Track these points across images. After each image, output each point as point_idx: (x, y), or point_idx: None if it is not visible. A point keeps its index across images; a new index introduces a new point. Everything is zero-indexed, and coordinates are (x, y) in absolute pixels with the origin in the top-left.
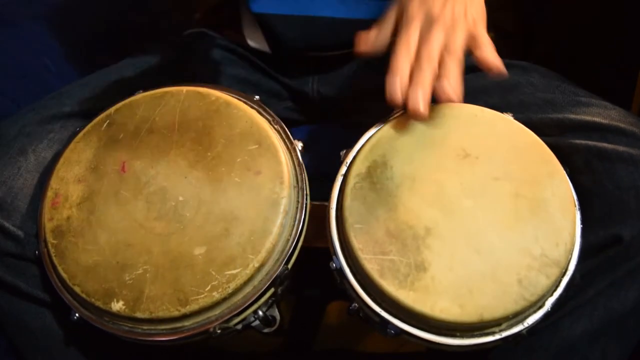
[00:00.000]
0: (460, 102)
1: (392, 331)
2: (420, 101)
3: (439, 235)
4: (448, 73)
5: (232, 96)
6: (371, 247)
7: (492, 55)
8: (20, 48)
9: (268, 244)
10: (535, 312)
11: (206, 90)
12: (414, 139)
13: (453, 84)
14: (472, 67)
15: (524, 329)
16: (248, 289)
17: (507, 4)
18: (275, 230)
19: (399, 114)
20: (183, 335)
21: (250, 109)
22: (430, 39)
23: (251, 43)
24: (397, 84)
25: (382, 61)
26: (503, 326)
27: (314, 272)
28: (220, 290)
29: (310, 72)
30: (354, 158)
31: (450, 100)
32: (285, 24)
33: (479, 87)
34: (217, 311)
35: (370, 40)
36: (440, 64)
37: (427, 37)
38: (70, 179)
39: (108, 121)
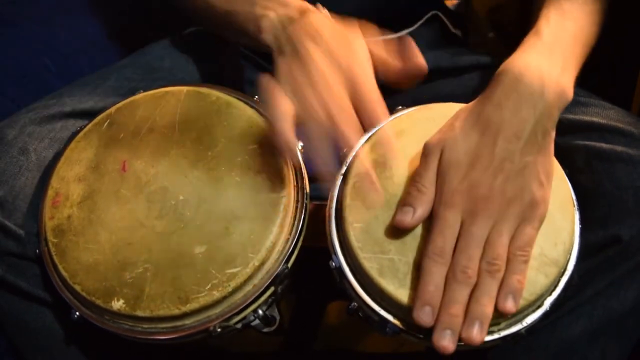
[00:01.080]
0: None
1: (391, 330)
2: (448, 342)
3: None
4: (476, 308)
5: (233, 96)
6: (370, 246)
7: (516, 283)
8: (20, 48)
9: (268, 243)
10: (534, 311)
11: (206, 90)
12: (413, 139)
13: (482, 321)
14: (472, 66)
15: (522, 328)
16: (248, 288)
17: (508, 3)
18: (275, 229)
19: (399, 114)
20: (183, 333)
21: (251, 108)
22: (470, 239)
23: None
24: (425, 314)
25: None
26: (502, 325)
27: (313, 271)
28: (220, 288)
29: None
30: (354, 157)
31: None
32: None
33: (479, 87)
34: (217, 310)
35: (407, 224)
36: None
37: (468, 234)
38: (71, 178)
39: (109, 121)
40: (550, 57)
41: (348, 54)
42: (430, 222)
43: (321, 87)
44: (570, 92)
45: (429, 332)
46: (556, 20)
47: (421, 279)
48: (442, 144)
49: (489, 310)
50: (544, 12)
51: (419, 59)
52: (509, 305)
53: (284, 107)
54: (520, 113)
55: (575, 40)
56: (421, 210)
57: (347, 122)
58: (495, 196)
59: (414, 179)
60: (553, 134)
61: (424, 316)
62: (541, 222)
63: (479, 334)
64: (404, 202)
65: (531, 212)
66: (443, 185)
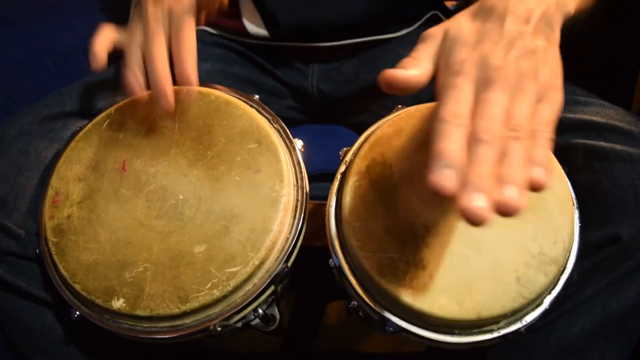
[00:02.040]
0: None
1: (391, 329)
2: (479, 204)
3: (437, 233)
4: (510, 167)
5: (232, 95)
6: (370, 245)
7: (545, 156)
8: (20, 48)
9: (268, 242)
10: (533, 310)
11: (206, 90)
12: (413, 138)
13: (516, 181)
14: None
15: (522, 326)
16: (248, 287)
17: None
18: (275, 228)
19: (398, 112)
20: (183, 333)
21: (250, 108)
22: (489, 104)
23: (249, 27)
24: (446, 177)
25: (382, 59)
26: (501, 324)
27: (313, 270)
28: (220, 287)
29: (309, 63)
30: (354, 156)
31: (508, 211)
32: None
33: None
34: (217, 309)
35: (397, 81)
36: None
37: (485, 100)
38: (70, 178)
39: (108, 120)
40: None
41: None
42: (430, 222)
43: (146, 20)
44: (571, 6)
45: (428, 330)
46: None
47: (436, 142)
48: (443, 28)
49: (522, 175)
50: None
51: None
52: (541, 176)
53: (108, 27)
54: (525, 2)
55: None
56: (412, 70)
57: (156, 41)
58: (510, 67)
59: (408, 55)
60: (558, 32)
61: (445, 178)
62: (559, 109)
63: (518, 198)
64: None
65: (549, 93)
66: (448, 58)
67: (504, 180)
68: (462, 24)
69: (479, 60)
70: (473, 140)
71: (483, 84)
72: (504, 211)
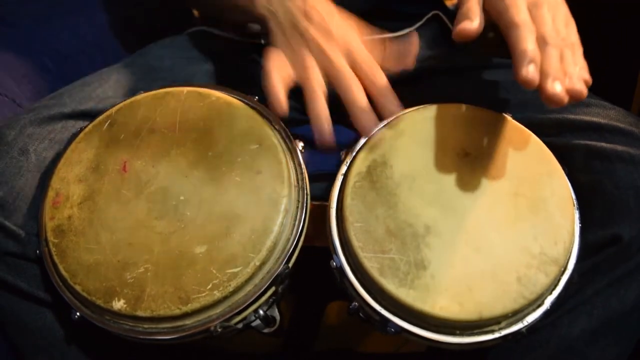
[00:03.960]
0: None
1: (392, 329)
2: (560, 89)
3: (438, 234)
4: (569, 66)
5: (233, 96)
6: (371, 245)
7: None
8: (20, 48)
9: (269, 243)
10: (534, 310)
11: (207, 91)
12: (413, 138)
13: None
14: (471, 66)
15: (523, 327)
16: (249, 288)
17: None
18: (276, 229)
19: (398, 113)
20: (184, 333)
21: (251, 109)
22: (545, 18)
23: (251, 24)
24: (532, 71)
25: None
26: (502, 324)
27: (314, 271)
28: (221, 288)
29: None
30: (354, 157)
31: (578, 96)
32: None
33: (479, 88)
34: (218, 310)
35: (467, 32)
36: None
37: (540, 15)
38: (71, 179)
39: (109, 121)
40: None
41: (342, 29)
42: (431, 222)
43: (318, 51)
44: None
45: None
46: None
47: (518, 44)
48: None
49: (576, 71)
50: None
51: (410, 61)
52: (588, 76)
53: (279, 63)
54: None
55: None
56: (476, 21)
57: (351, 75)
58: None
59: (463, 5)
60: None
61: (532, 73)
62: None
63: (584, 86)
64: (459, 18)
65: (569, 20)
66: None
67: (569, 75)
68: None
69: None
70: (543, 43)
71: (533, 5)
72: (576, 96)
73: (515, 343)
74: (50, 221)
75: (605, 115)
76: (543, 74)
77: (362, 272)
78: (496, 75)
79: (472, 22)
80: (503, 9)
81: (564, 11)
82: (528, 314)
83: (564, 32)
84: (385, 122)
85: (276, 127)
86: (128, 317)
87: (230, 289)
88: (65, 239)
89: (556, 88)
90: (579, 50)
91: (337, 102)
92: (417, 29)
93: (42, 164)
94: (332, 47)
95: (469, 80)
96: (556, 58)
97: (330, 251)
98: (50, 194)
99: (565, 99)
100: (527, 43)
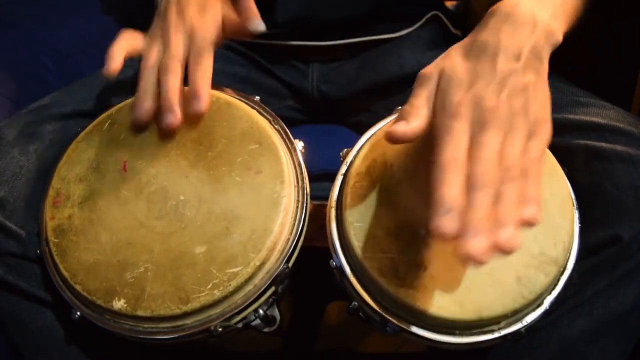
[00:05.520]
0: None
1: (392, 329)
2: (479, 246)
3: None
4: (504, 210)
5: (233, 96)
6: (371, 245)
7: (535, 192)
8: (20, 48)
9: (269, 243)
10: (534, 310)
11: None
12: None
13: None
14: None
15: (522, 327)
16: (249, 287)
17: None
18: (276, 229)
19: (399, 113)
20: (184, 333)
21: (251, 109)
22: (487, 148)
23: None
24: (448, 222)
25: (382, 60)
26: (502, 324)
27: (314, 271)
28: (221, 288)
29: (309, 64)
30: (354, 157)
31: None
32: None
33: None
34: (218, 309)
35: (405, 136)
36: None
37: (480, 143)
38: (71, 179)
39: (109, 121)
40: (540, 3)
41: (199, 20)
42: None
43: (167, 36)
44: (559, 36)
45: (429, 330)
46: None
47: (437, 189)
48: (439, 68)
49: (516, 215)
50: None
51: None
52: (533, 214)
53: (134, 35)
54: (516, 37)
55: None
56: (415, 122)
57: (174, 60)
58: (503, 107)
59: (407, 101)
60: (547, 65)
61: (447, 221)
62: (548, 141)
63: (514, 238)
64: (396, 118)
65: (538, 129)
66: (444, 100)
67: (500, 222)
68: (456, 63)
69: (473, 102)
70: (470, 186)
71: (478, 125)
72: (502, 251)
73: (515, 343)
74: (51, 221)
75: (605, 115)
76: (463, 225)
77: (362, 272)
78: None
79: (408, 124)
80: (439, 125)
81: (534, 113)
82: (527, 314)
83: (515, 158)
84: (385, 120)
85: (276, 126)
86: (128, 316)
87: (230, 288)
88: (65, 238)
89: (473, 246)
90: (534, 171)
91: (336, 103)
92: (417, 30)
93: (42, 163)
94: (179, 35)
95: None
96: (484, 205)
97: (330, 251)
98: (51, 193)
99: (485, 257)
100: (448, 188)
